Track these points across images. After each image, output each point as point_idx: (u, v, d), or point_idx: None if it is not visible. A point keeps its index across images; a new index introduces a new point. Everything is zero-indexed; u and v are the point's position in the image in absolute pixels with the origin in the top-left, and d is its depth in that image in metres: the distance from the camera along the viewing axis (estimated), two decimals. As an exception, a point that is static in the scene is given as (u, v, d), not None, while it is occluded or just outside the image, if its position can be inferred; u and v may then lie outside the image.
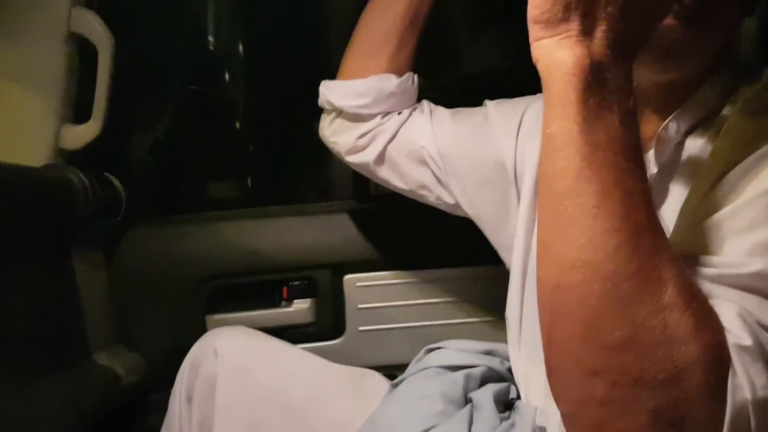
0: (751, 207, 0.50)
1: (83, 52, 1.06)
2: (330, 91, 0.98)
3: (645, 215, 0.47)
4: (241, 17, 1.31)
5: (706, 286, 0.49)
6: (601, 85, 0.47)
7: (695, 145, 0.64)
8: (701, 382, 0.44)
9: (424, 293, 1.23)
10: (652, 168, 0.65)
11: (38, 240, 0.94)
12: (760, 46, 0.77)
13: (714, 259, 0.50)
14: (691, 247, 0.52)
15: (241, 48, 1.29)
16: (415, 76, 0.98)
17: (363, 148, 0.97)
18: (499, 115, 0.91)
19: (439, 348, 0.92)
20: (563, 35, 0.47)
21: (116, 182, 1.11)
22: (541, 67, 0.49)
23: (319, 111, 1.03)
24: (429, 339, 1.23)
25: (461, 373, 0.85)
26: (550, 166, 0.49)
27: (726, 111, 0.62)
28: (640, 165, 0.48)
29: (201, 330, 1.17)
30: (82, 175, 1.00)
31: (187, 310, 1.19)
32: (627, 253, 0.45)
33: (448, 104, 1.00)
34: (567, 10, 0.47)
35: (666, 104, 0.66)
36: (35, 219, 0.89)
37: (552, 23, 0.48)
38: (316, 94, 1.01)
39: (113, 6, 1.08)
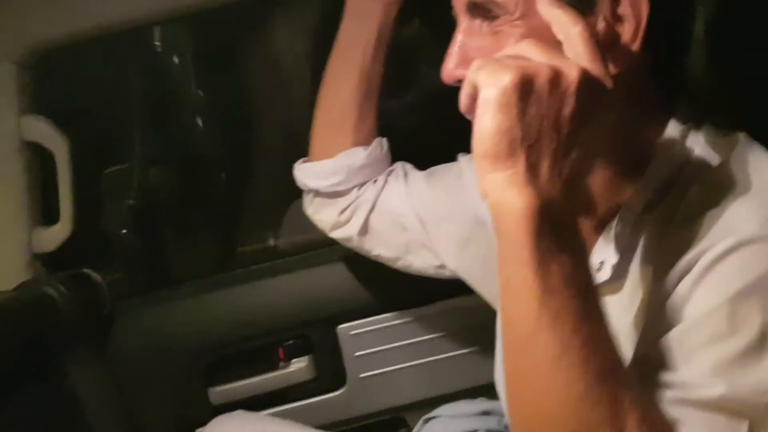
0: (709, 320, 0.50)
1: (42, 155, 1.04)
2: (303, 175, 0.97)
3: (606, 360, 0.47)
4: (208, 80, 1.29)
5: (672, 411, 0.49)
6: (553, 225, 0.46)
7: (652, 226, 0.61)
8: None
9: (419, 330, 1.23)
10: (612, 257, 0.62)
11: (24, 366, 0.94)
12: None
13: (677, 379, 0.50)
14: (652, 362, 0.52)
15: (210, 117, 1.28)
16: (384, 141, 0.97)
17: (345, 223, 0.96)
18: (472, 171, 0.89)
19: (435, 417, 0.93)
20: (511, 172, 0.46)
21: (96, 276, 1.11)
22: (490, 203, 0.48)
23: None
24: (428, 375, 1.25)
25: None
26: (508, 312, 0.49)
27: (682, 182, 0.59)
28: (597, 305, 0.48)
29: (205, 405, 1.19)
30: (59, 286, 0.99)
31: (188, 386, 1.20)
32: (589, 404, 0.45)
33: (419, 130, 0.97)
34: (512, 147, 0.46)
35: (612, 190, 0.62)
36: (18, 347, 0.89)
37: (499, 159, 0.47)
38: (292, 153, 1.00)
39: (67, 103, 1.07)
